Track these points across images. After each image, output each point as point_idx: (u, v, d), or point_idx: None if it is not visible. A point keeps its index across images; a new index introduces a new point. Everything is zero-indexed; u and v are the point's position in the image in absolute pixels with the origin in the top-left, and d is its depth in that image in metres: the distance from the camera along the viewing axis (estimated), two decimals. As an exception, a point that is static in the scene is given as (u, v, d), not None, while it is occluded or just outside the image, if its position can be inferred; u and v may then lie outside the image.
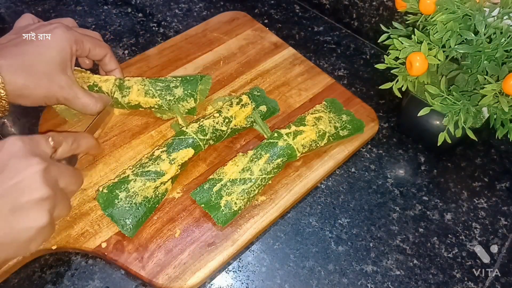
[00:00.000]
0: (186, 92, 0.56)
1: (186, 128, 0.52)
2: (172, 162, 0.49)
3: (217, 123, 0.53)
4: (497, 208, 0.55)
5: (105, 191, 0.47)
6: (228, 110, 0.55)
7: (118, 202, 0.47)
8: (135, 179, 0.48)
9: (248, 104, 0.56)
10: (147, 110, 0.58)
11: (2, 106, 0.47)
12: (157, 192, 0.48)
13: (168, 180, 0.49)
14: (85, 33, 0.54)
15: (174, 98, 0.56)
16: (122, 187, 0.47)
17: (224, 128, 0.53)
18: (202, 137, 0.51)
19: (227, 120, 0.54)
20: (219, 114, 0.54)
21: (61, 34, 0.49)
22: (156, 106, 0.56)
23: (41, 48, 0.48)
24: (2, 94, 0.46)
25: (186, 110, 0.57)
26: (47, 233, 0.39)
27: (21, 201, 0.36)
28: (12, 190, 0.36)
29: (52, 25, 0.50)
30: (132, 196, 0.47)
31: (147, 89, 0.56)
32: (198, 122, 0.53)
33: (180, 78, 0.58)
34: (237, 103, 0.55)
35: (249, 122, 0.56)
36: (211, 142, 0.53)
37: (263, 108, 0.58)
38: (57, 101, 0.51)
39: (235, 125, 0.55)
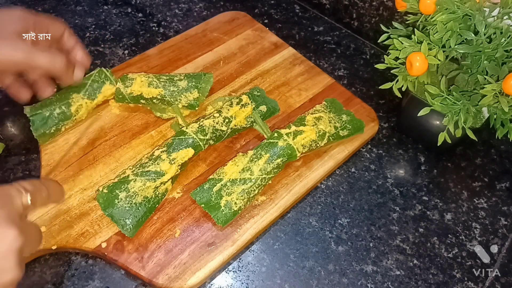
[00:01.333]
0: (190, 84, 0.58)
1: (186, 128, 0.52)
2: (172, 162, 0.49)
3: (217, 123, 0.53)
4: (497, 208, 0.55)
5: (105, 191, 0.47)
6: (228, 110, 0.55)
7: (118, 202, 0.47)
8: (135, 179, 0.48)
9: (248, 104, 0.56)
10: (146, 108, 0.58)
11: None
12: (157, 192, 0.48)
13: (168, 180, 0.49)
14: None
15: (177, 90, 0.57)
16: (122, 187, 0.47)
17: (224, 128, 0.53)
18: (202, 137, 0.51)
19: (227, 120, 0.54)
20: (219, 114, 0.54)
21: (16, 8, 0.49)
22: (159, 97, 0.56)
23: None
24: None
25: (189, 102, 0.57)
26: None
27: None
28: None
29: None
30: (132, 196, 0.47)
31: (150, 80, 0.57)
32: (198, 122, 0.53)
33: (183, 74, 0.59)
34: (237, 103, 0.55)
35: (249, 122, 0.56)
36: (211, 142, 0.53)
37: (263, 108, 0.58)
38: (14, 61, 0.45)
39: (235, 125, 0.55)
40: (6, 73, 0.50)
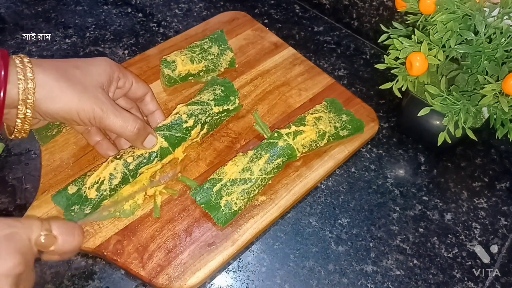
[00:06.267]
0: (220, 48, 0.62)
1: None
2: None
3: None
4: (497, 208, 0.55)
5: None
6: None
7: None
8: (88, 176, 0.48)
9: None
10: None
11: (25, 120, 0.42)
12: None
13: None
14: None
15: (214, 57, 0.61)
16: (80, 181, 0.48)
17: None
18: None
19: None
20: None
21: (106, 59, 0.48)
22: (204, 69, 0.60)
23: (83, 63, 0.46)
24: (29, 101, 0.40)
25: (228, 62, 0.62)
26: None
27: None
28: None
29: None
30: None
31: (190, 56, 0.60)
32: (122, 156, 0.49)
33: (206, 39, 0.63)
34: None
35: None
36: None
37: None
38: (89, 114, 0.43)
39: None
40: (89, 133, 0.51)
